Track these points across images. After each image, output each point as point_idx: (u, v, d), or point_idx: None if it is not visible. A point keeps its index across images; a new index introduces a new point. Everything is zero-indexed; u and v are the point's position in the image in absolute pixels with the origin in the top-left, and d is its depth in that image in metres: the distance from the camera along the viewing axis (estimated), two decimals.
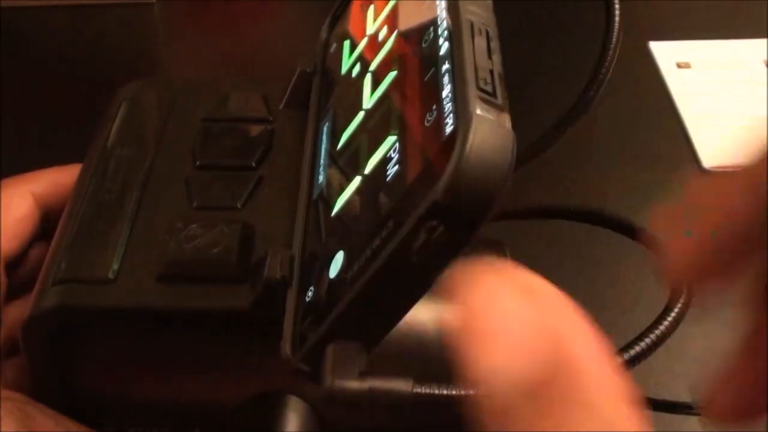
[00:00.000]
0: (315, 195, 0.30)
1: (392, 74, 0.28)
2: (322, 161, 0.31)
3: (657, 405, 0.34)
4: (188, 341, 0.29)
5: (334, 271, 0.25)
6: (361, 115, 0.29)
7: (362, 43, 0.33)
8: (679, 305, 0.27)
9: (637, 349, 0.27)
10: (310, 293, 0.26)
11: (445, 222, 0.21)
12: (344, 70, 0.33)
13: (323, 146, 0.31)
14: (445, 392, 0.23)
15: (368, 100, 0.29)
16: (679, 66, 0.64)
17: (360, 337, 0.23)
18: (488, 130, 0.20)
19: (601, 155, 0.56)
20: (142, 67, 0.68)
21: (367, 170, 0.26)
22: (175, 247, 0.29)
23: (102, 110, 0.36)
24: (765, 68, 0.64)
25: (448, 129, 0.22)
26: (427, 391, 0.23)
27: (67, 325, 0.28)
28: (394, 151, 0.25)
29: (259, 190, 0.32)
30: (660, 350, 0.27)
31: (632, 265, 0.48)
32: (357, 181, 0.27)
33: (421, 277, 0.22)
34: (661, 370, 0.44)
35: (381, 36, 0.31)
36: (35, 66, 0.68)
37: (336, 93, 0.33)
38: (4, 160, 0.56)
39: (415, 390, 0.23)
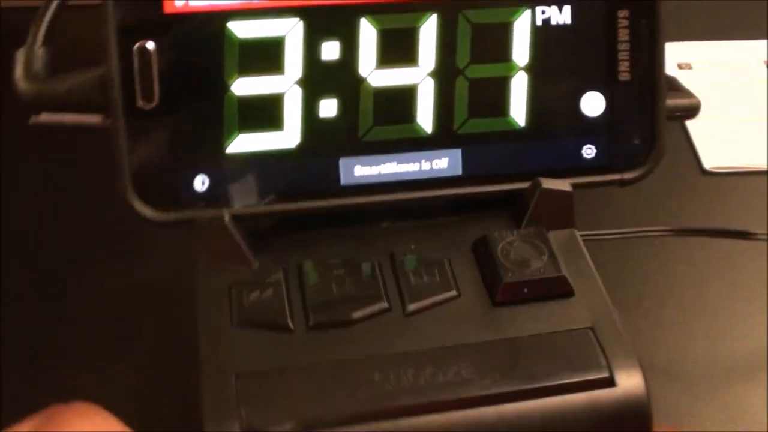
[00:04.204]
0: (462, 170, 0.32)
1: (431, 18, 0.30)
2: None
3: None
4: None
5: (598, 108, 0.31)
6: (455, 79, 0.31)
7: None
8: None
9: None
10: (590, 151, 0.31)
11: None
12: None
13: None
14: None
15: (442, 64, 0.31)
16: (680, 67, 0.64)
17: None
18: None
19: None
20: None
21: (527, 61, 0.30)
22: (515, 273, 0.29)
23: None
24: (766, 69, 0.64)
25: None
26: None
27: None
28: (543, 13, 0.30)
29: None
30: None
31: None
32: (521, 78, 0.30)
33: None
34: None
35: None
36: None
37: None
38: (4, 160, 0.56)
39: None
